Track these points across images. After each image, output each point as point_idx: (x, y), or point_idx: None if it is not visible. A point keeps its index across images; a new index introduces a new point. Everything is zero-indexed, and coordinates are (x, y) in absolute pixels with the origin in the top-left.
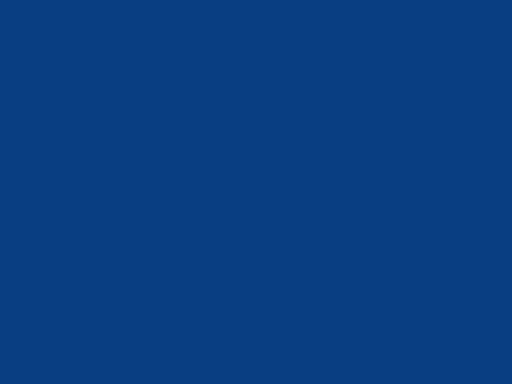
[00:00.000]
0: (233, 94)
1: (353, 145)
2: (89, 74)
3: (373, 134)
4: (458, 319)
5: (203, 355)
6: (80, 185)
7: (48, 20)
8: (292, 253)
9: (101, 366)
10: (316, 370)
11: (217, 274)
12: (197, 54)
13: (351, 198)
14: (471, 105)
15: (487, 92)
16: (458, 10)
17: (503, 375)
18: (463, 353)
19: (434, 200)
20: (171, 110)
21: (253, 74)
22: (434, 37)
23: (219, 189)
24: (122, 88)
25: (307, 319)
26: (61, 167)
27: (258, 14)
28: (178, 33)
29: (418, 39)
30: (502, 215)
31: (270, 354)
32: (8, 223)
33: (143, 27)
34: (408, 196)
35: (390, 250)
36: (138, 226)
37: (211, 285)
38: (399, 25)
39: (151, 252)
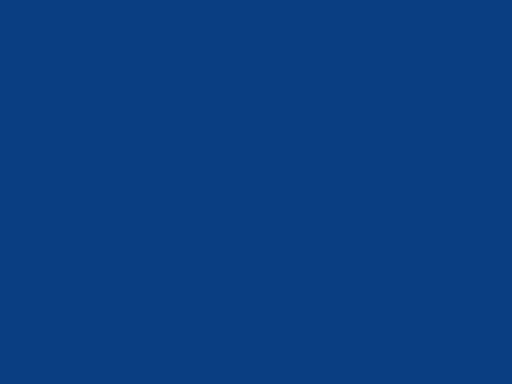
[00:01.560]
0: (233, 94)
1: (353, 145)
2: (89, 74)
3: (373, 134)
4: (458, 319)
5: (203, 355)
6: (80, 185)
7: (48, 20)
8: (292, 253)
9: (101, 366)
10: (316, 370)
11: (217, 274)
12: (197, 54)
13: (351, 198)
14: (471, 105)
15: (487, 92)
16: (458, 10)
17: (503, 375)
18: (463, 353)
19: (434, 200)
20: (171, 109)
21: (253, 73)
22: (434, 37)
23: (219, 189)
24: (122, 88)
25: (307, 319)
26: (61, 167)
27: (258, 14)
28: (178, 33)
29: (418, 39)
30: (502, 215)
31: (270, 354)
32: (8, 223)
33: (143, 27)
34: (408, 196)
35: (390, 250)
36: (138, 225)
37: (211, 285)
38: (399, 25)
39: (151, 252)
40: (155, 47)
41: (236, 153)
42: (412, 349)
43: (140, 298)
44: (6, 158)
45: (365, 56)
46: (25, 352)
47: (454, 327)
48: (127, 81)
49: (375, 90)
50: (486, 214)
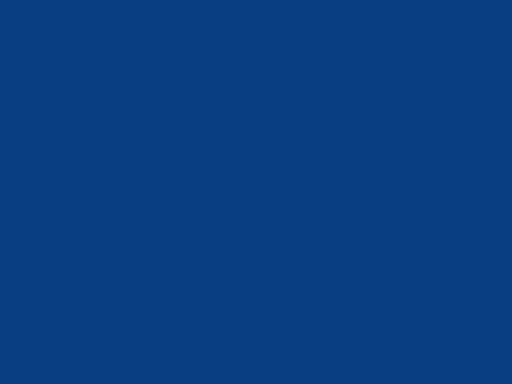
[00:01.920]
0: (233, 94)
1: (353, 145)
2: (89, 74)
3: (373, 134)
4: (458, 319)
5: (203, 355)
6: (80, 185)
7: (48, 20)
8: (292, 253)
9: (101, 366)
10: (316, 370)
11: (217, 274)
12: (197, 54)
13: (351, 198)
14: (471, 105)
15: (487, 92)
16: (458, 10)
17: (503, 375)
18: (463, 353)
19: (434, 200)
20: (171, 110)
21: (253, 73)
22: (434, 37)
23: (219, 189)
24: (122, 88)
25: (307, 319)
26: (61, 167)
27: (258, 14)
28: (178, 33)
29: (418, 39)
30: (502, 215)
31: (270, 354)
32: (8, 223)
33: (143, 27)
34: (408, 196)
35: (390, 250)
36: (138, 226)
37: (211, 285)
38: (399, 25)
39: (151, 252)
40: (155, 47)
41: (236, 153)
42: (412, 349)
43: (140, 298)
44: (6, 158)
45: (365, 56)
46: (25, 352)
47: (454, 327)
48: (127, 81)
49: (375, 90)
50: (486, 213)
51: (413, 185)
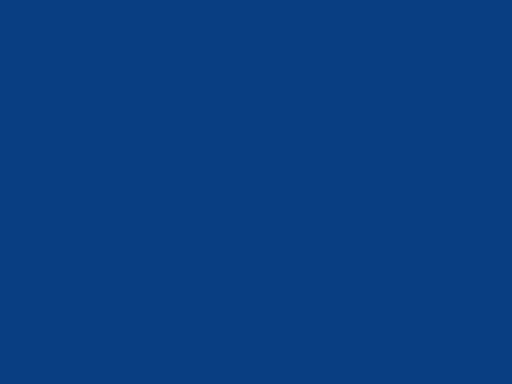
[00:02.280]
0: (233, 94)
1: (353, 145)
2: (89, 74)
3: (373, 134)
4: (458, 319)
5: (203, 355)
6: (80, 185)
7: (48, 20)
8: (292, 253)
9: (101, 366)
10: (316, 370)
11: (217, 274)
12: (197, 54)
13: (351, 198)
14: (471, 105)
15: (487, 92)
16: (458, 10)
17: (503, 375)
18: (463, 353)
19: (434, 200)
20: (171, 110)
21: (253, 74)
22: (434, 37)
23: (219, 189)
24: (122, 88)
25: (307, 319)
26: (61, 167)
27: (258, 14)
28: (178, 33)
29: (418, 39)
30: (502, 215)
31: (270, 354)
32: (8, 223)
33: (143, 27)
34: (408, 196)
35: (390, 250)
36: (138, 226)
37: (211, 285)
38: (399, 25)
39: (151, 252)
40: (155, 47)
41: (236, 153)
42: (412, 349)
43: (140, 298)
44: (6, 158)
45: (365, 56)
46: (25, 352)
47: (454, 327)
48: (127, 81)
49: (375, 90)
50: (486, 214)
51: (413, 185)
